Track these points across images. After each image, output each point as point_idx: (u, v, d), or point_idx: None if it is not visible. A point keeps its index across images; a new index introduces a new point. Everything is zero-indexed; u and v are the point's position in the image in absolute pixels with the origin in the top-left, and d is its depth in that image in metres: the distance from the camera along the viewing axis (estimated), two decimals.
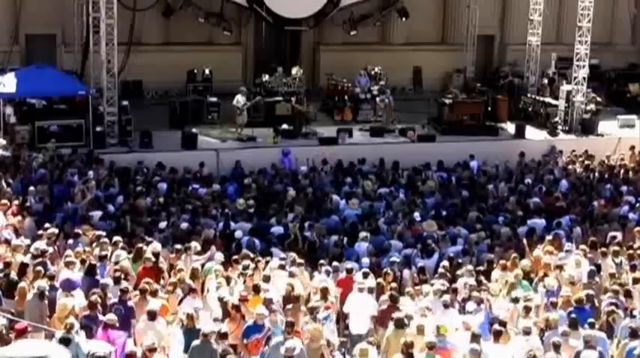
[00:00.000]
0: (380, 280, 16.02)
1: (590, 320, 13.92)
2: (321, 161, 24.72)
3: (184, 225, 19.05)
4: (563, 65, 31.74)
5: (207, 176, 23.67)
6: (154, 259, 15.95)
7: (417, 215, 20.47)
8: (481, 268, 16.95)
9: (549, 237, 18.90)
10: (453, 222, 20.47)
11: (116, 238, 17.06)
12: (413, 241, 19.09)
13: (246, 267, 15.92)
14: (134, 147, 25.09)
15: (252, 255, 16.88)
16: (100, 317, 13.33)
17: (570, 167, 25.72)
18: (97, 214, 19.32)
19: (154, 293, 14.37)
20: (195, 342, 12.64)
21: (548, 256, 17.67)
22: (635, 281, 16.08)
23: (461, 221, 20.60)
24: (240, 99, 26.76)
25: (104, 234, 17.33)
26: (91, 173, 21.66)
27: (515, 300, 14.90)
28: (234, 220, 19.71)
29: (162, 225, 18.72)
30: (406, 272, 16.92)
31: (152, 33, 31.36)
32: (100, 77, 25.31)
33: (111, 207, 20.06)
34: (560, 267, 16.75)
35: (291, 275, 15.81)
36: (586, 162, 26.01)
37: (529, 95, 31.03)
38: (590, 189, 23.82)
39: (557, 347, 12.86)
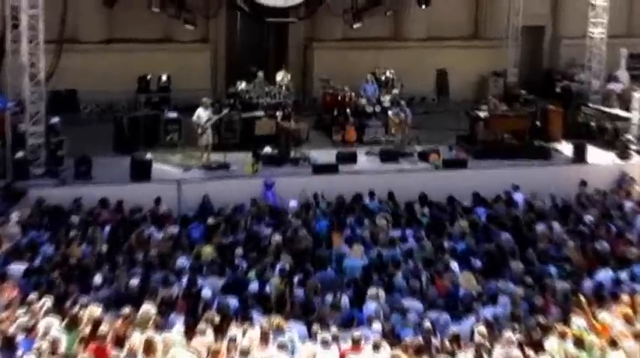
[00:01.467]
0: (397, 352, 15.95)
1: None
2: (313, 195, 24.81)
3: (134, 282, 19.01)
4: (636, 64, 31.88)
5: (164, 216, 23.68)
6: (108, 334, 15.87)
7: (451, 265, 20.48)
8: (532, 335, 16.82)
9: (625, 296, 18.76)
10: (491, 274, 20.46)
11: (45, 300, 17.01)
12: (440, 300, 19.05)
13: (233, 338, 15.87)
14: (67, 180, 25.11)
15: (218, 319, 16.84)
16: None
17: None
18: (18, 268, 19.28)
19: None
20: None
21: (624, 322, 17.51)
22: None
23: (502, 273, 20.58)
24: (201, 115, 26.76)
25: (32, 296, 17.23)
26: (13, 214, 21.64)
27: None
28: (200, 274, 19.68)
29: (98, 280, 18.70)
30: (433, 341, 16.84)
31: (91, 28, 31.59)
32: (21, 86, 25.37)
33: (37, 260, 20.02)
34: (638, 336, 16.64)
35: (281, 346, 15.78)
36: None
37: (591, 105, 31.15)
38: None
39: None
